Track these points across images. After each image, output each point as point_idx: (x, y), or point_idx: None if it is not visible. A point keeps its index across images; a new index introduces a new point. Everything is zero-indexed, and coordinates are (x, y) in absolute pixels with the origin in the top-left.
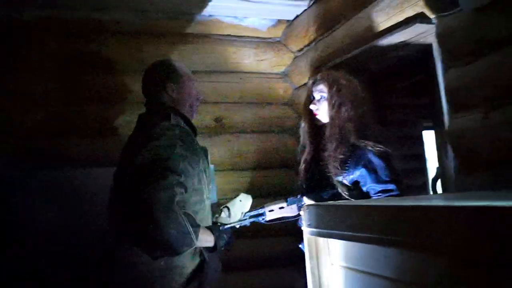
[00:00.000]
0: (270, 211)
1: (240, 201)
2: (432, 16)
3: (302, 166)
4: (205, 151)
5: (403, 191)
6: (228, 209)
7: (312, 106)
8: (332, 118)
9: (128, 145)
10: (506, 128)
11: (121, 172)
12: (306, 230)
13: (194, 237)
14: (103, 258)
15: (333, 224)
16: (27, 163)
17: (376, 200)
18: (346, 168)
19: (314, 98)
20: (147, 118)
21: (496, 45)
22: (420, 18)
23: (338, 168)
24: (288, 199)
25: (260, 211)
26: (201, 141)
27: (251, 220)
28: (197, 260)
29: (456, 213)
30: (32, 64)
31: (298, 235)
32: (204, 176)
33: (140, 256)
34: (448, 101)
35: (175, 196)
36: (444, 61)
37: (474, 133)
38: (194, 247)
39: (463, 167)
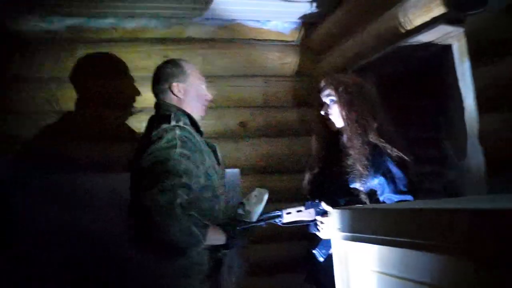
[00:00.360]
0: (287, 213)
1: (255, 196)
2: (460, 14)
3: (307, 177)
4: (213, 148)
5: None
6: (244, 204)
7: (322, 111)
8: (346, 117)
9: (136, 149)
10: None
11: (131, 176)
12: (336, 234)
13: (201, 236)
14: (123, 259)
15: (365, 228)
16: (41, 167)
17: (412, 203)
18: (365, 175)
19: (324, 103)
20: (151, 120)
21: None
22: (447, 17)
23: (358, 172)
24: (306, 203)
25: (278, 212)
26: (226, 145)
27: (268, 221)
28: (214, 258)
29: (495, 217)
30: (61, 73)
31: (313, 240)
32: (214, 173)
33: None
34: (477, 101)
35: (177, 197)
36: (473, 61)
37: (504, 133)
38: (201, 246)
39: (492, 168)
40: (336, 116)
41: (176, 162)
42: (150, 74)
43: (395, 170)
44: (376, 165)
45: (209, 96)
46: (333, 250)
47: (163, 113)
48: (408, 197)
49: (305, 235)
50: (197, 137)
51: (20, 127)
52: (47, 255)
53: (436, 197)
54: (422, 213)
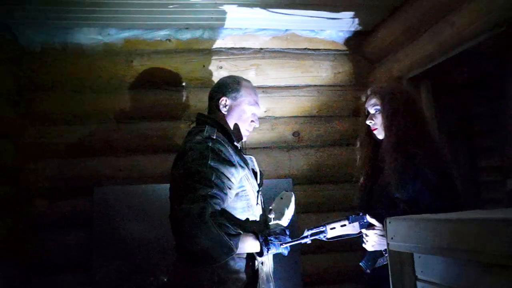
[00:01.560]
0: (331, 228)
1: (281, 198)
2: None
3: (360, 185)
4: (249, 159)
5: (460, 208)
6: (271, 210)
7: (368, 122)
8: (387, 128)
9: (174, 159)
10: None
11: (170, 186)
12: (390, 244)
13: (233, 245)
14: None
15: (418, 238)
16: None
17: (467, 213)
18: (404, 183)
19: (369, 113)
20: (189, 132)
21: None
22: (506, 23)
23: (396, 182)
24: (350, 216)
25: (322, 228)
26: (279, 154)
27: (312, 237)
28: (252, 265)
29: None
30: (118, 84)
31: (360, 251)
32: (248, 183)
33: (198, 265)
34: None
35: (207, 208)
36: None
37: None
38: (233, 254)
39: None
40: (380, 126)
41: (207, 173)
42: (205, 85)
43: (433, 180)
44: (414, 175)
45: (256, 124)
46: (388, 261)
47: (199, 125)
48: (446, 206)
49: (359, 246)
50: (230, 149)
51: (77, 137)
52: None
53: (497, 207)
54: (474, 223)
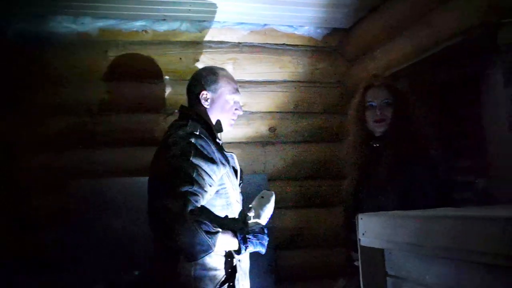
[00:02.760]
0: None
1: (262, 197)
2: (496, 23)
3: (347, 184)
4: (230, 157)
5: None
6: (251, 208)
7: (377, 112)
8: (395, 122)
9: (155, 153)
10: None
11: (148, 180)
12: (361, 240)
13: (211, 243)
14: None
15: (389, 234)
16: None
17: (435, 211)
18: (397, 180)
19: (372, 104)
20: (171, 125)
21: None
22: (483, 25)
23: (389, 180)
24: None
25: None
26: (255, 150)
27: None
28: (229, 263)
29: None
30: (92, 74)
31: (350, 246)
32: (229, 181)
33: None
34: (510, 112)
35: (187, 205)
36: (506, 70)
37: None
38: (211, 252)
39: None
40: (388, 120)
41: (188, 169)
42: (181, 77)
43: (422, 173)
44: (406, 170)
45: (239, 112)
46: (359, 257)
47: (183, 119)
48: (434, 201)
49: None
50: (213, 146)
51: (50, 128)
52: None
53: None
54: (443, 220)
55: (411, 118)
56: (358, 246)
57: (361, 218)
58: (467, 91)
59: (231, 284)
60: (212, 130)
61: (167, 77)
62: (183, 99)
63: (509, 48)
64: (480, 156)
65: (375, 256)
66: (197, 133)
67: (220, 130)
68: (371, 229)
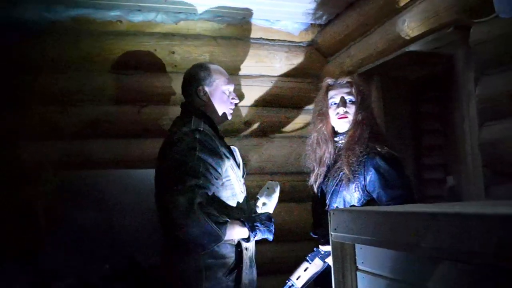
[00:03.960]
0: (297, 278)
1: (268, 188)
2: (467, 22)
3: (312, 179)
4: (232, 150)
5: (413, 196)
6: (258, 199)
7: (340, 109)
8: (358, 120)
9: (160, 149)
10: None
11: (155, 176)
12: (332, 235)
13: (221, 233)
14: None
15: (359, 229)
16: (60, 165)
17: (403, 207)
18: (358, 175)
19: (335, 101)
20: (175, 122)
21: None
22: (454, 24)
23: (351, 175)
24: (307, 257)
25: (289, 283)
26: (230, 143)
27: None
28: (237, 251)
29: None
30: (64, 64)
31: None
32: (233, 173)
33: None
34: (480, 110)
35: (195, 198)
36: (477, 69)
37: (506, 142)
38: (221, 241)
39: (493, 176)
40: (351, 116)
41: (195, 164)
42: (155, 69)
43: (385, 166)
44: (367, 164)
45: (236, 100)
46: (331, 251)
47: (186, 115)
48: (400, 192)
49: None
50: (216, 140)
51: (25, 118)
52: (73, 251)
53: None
54: (410, 216)
55: (373, 115)
56: (330, 242)
57: (333, 214)
58: (438, 88)
59: (239, 270)
60: (215, 124)
61: (141, 68)
62: (157, 90)
63: (480, 46)
64: (450, 153)
65: (347, 251)
66: (201, 129)
67: (223, 121)
68: (342, 225)
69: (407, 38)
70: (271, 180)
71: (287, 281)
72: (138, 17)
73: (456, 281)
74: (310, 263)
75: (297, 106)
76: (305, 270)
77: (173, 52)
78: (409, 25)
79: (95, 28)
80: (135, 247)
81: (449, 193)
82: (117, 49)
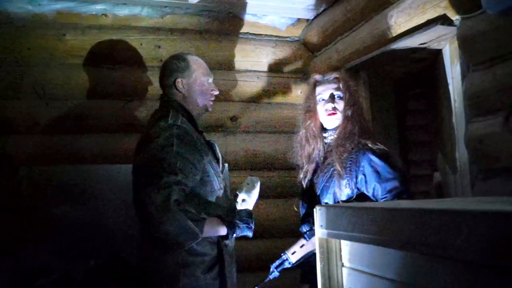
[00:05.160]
0: (292, 253)
1: (248, 184)
2: (454, 18)
3: (301, 176)
4: (211, 145)
5: (409, 187)
6: (237, 195)
7: (328, 105)
8: (347, 116)
9: (137, 144)
10: None
11: (132, 171)
12: (318, 232)
13: (198, 230)
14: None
15: (345, 226)
16: (40, 159)
17: (389, 203)
18: (350, 171)
19: (324, 98)
20: (152, 116)
21: None
22: (442, 19)
23: (343, 171)
24: (306, 235)
25: (284, 257)
26: (216, 139)
27: (279, 269)
28: (216, 248)
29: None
30: (51, 59)
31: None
32: (211, 169)
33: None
34: (467, 106)
35: (172, 194)
36: (464, 64)
37: (493, 138)
38: (199, 239)
39: (479, 172)
40: (340, 112)
41: (172, 160)
42: (141, 64)
43: (378, 161)
44: (359, 160)
45: (216, 92)
46: (316, 247)
47: (163, 109)
48: (395, 183)
49: (297, 232)
50: (194, 135)
51: (6, 111)
52: (54, 246)
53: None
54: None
55: (362, 110)
56: (316, 238)
57: (319, 210)
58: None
59: (220, 268)
60: (193, 118)
61: (126, 63)
62: (142, 85)
63: (467, 42)
64: (437, 149)
65: (333, 247)
66: (179, 123)
67: (203, 113)
68: (328, 221)
69: (395, 33)
70: (252, 176)
71: (282, 254)
72: (123, 11)
73: (443, 277)
74: (307, 240)
75: (284, 101)
76: (301, 247)
77: (159, 47)
78: (397, 21)
79: (80, 22)
80: (120, 242)
81: (436, 189)
82: (102, 43)
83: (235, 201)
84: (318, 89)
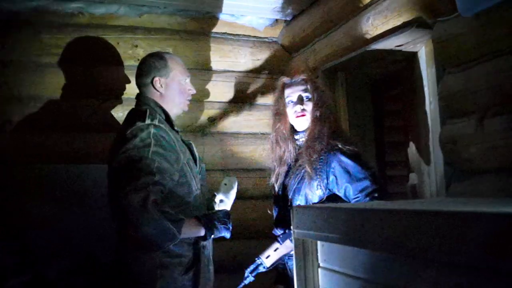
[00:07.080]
0: (267, 257)
1: (225, 184)
2: (429, 20)
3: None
4: (189, 145)
5: (381, 185)
6: (215, 195)
7: (297, 107)
8: (316, 118)
9: (112, 144)
10: (500, 136)
11: (107, 171)
12: (295, 232)
13: (176, 231)
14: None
15: (321, 227)
16: (22, 159)
17: (364, 204)
18: (320, 172)
19: (292, 100)
20: (128, 115)
21: (495, 52)
22: (417, 22)
23: (313, 173)
24: (279, 238)
25: (258, 261)
26: (193, 139)
27: (254, 273)
28: (194, 249)
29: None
30: (26, 58)
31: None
32: (189, 169)
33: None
34: (442, 107)
35: (150, 195)
36: (440, 67)
37: (467, 139)
38: (177, 240)
39: (454, 173)
40: (308, 114)
41: (149, 161)
42: (118, 62)
43: (347, 161)
44: (329, 161)
45: (193, 91)
46: (293, 248)
47: (140, 108)
48: (366, 183)
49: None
50: (172, 135)
51: None
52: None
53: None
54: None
55: (332, 111)
56: (293, 239)
57: (296, 211)
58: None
59: (197, 269)
60: (170, 118)
61: (103, 61)
62: (119, 84)
63: (442, 45)
64: (412, 150)
65: (309, 248)
66: (156, 123)
67: (180, 112)
68: (304, 222)
69: (372, 35)
70: (229, 176)
71: (256, 259)
72: (100, 9)
73: (417, 278)
74: (281, 243)
75: (262, 102)
76: (275, 250)
77: (136, 46)
78: (373, 23)
79: (55, 20)
80: (95, 242)
81: (411, 190)
82: (78, 42)
83: (213, 201)
84: (287, 92)
